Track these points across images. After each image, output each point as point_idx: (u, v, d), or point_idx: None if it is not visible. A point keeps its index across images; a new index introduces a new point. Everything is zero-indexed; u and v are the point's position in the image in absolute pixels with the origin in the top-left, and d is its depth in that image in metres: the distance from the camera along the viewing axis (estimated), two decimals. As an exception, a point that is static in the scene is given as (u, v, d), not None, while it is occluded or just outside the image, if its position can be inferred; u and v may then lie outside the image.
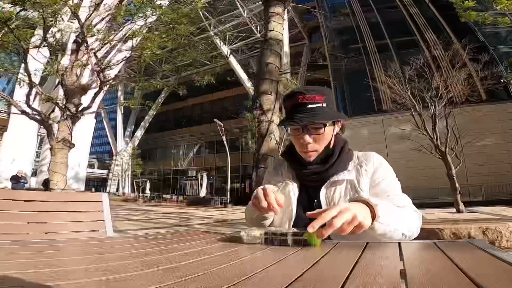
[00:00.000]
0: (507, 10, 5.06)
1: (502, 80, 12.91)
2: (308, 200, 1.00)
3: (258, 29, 24.51)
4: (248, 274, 0.43)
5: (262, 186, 0.90)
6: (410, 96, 11.14)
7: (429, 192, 15.64)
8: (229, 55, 23.08)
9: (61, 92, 6.32)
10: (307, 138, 0.96)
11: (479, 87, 12.72)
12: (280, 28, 3.59)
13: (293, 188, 1.01)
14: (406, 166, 15.78)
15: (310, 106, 0.96)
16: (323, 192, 0.97)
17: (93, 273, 0.42)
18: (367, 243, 0.70)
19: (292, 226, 0.95)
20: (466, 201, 11.50)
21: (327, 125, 0.97)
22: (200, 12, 7.41)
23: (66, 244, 0.74)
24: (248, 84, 20.44)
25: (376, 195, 0.93)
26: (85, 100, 6.17)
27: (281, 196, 0.87)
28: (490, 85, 11.77)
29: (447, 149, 10.42)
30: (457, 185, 10.01)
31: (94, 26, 6.14)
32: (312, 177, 1.00)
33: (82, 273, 0.43)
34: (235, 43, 26.64)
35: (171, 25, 6.88)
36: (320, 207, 0.95)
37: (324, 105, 0.97)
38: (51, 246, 0.68)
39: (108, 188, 30.51)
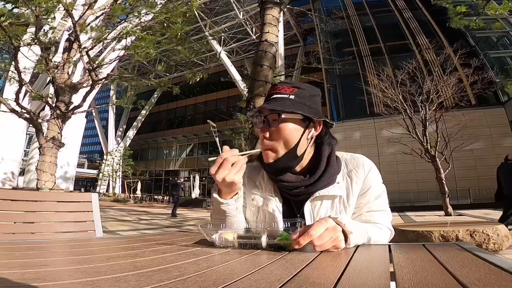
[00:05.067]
0: (499, 15, 5.17)
1: (497, 85, 13.17)
2: (291, 215, 0.89)
3: (254, 31, 24.57)
4: (239, 276, 0.43)
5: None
6: (402, 100, 11.32)
7: (419, 195, 15.89)
8: (220, 53, 23.01)
9: (51, 90, 6.21)
10: (264, 129, 0.84)
11: (469, 92, 12.99)
12: (275, 30, 3.60)
13: (276, 205, 0.90)
14: (397, 170, 16.02)
15: (275, 96, 0.85)
16: (307, 206, 0.87)
17: (80, 273, 0.42)
18: (357, 246, 0.71)
19: None
20: (454, 204, 11.72)
21: (283, 116, 0.82)
22: (196, 12, 7.38)
23: (53, 244, 0.73)
24: (241, 85, 20.44)
25: (359, 205, 0.89)
26: (76, 98, 6.08)
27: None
28: (480, 90, 12.02)
29: (436, 153, 10.62)
30: (446, 189, 10.20)
31: (88, 24, 6.07)
32: (294, 191, 0.87)
33: (69, 274, 0.42)
34: (229, 45, 26.65)
35: (165, 24, 6.84)
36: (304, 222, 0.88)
37: (292, 97, 0.84)
38: (37, 246, 0.66)
39: (98, 188, 30.09)
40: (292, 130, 0.84)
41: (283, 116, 0.82)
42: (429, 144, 10.70)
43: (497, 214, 9.87)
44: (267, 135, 0.84)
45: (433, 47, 15.28)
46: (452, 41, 15.61)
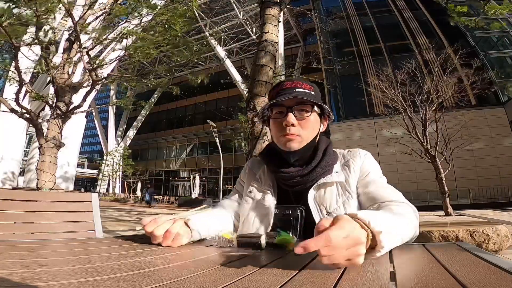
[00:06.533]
0: (499, 15, 5.16)
1: (497, 85, 13.20)
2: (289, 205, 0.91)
3: (254, 31, 24.57)
4: (239, 276, 0.43)
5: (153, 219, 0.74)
6: (402, 100, 11.32)
7: (419, 195, 15.89)
8: (225, 59, 23.01)
9: (52, 90, 6.21)
10: (291, 117, 0.85)
11: (469, 92, 12.99)
12: (276, 30, 3.60)
13: (273, 201, 0.92)
14: (397, 169, 16.02)
15: (298, 90, 0.89)
16: (311, 194, 0.88)
17: (80, 273, 0.42)
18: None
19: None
20: (454, 204, 11.72)
21: (315, 108, 0.88)
22: (196, 12, 7.40)
23: (53, 244, 0.73)
24: (242, 85, 20.46)
25: (363, 187, 0.88)
26: (76, 99, 6.08)
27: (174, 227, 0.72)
28: (480, 90, 12.02)
29: (436, 153, 10.61)
30: (446, 189, 10.20)
31: (88, 24, 6.07)
32: (292, 181, 0.89)
33: (68, 274, 0.42)
34: (230, 45, 26.65)
35: (166, 25, 6.84)
36: (308, 212, 0.86)
37: (313, 93, 0.91)
38: (37, 246, 0.66)
39: (98, 188, 30.09)
40: (316, 121, 0.91)
41: (315, 108, 0.88)
42: (429, 144, 10.69)
43: (497, 214, 9.86)
44: (295, 122, 0.86)
45: (433, 47, 15.28)
46: (452, 41, 15.64)
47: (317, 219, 0.85)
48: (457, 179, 15.03)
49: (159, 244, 0.68)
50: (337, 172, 0.91)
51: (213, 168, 29.08)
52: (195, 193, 24.49)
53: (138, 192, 27.71)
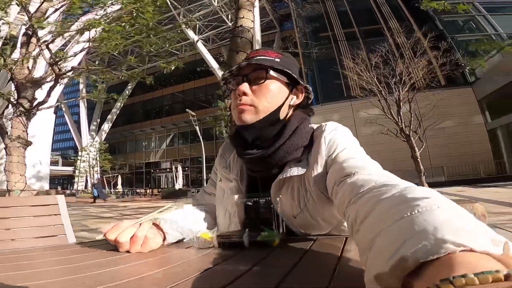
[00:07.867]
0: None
1: (464, 67, 13.79)
2: (258, 200, 0.77)
3: (229, 18, 24.06)
4: (223, 282, 0.39)
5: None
6: (376, 82, 11.62)
7: (395, 174, 16.43)
8: (197, 42, 22.41)
9: (13, 87, 5.80)
10: (244, 86, 0.72)
11: (439, 74, 13.52)
12: (251, 15, 3.50)
13: (238, 190, 0.79)
14: (375, 149, 16.54)
15: (259, 57, 0.76)
16: (272, 191, 0.73)
17: (78, 285, 0.36)
18: (346, 238, 0.67)
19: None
20: (430, 182, 12.31)
21: (272, 73, 0.73)
22: (168, 1, 7.08)
23: (30, 253, 0.64)
24: (219, 73, 20.13)
25: (337, 170, 0.65)
26: (41, 94, 5.72)
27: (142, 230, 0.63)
28: (449, 72, 12.55)
29: (411, 132, 11.06)
30: (421, 167, 10.69)
31: (46, 18, 5.64)
32: (254, 165, 0.76)
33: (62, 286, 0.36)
34: (205, 33, 26.00)
35: (134, 14, 6.48)
36: (273, 213, 0.71)
37: (277, 60, 0.76)
38: (14, 256, 0.58)
39: (75, 186, 29.09)
40: (278, 89, 0.75)
41: (271, 72, 0.73)
42: (403, 123, 11.11)
43: (470, 191, 10.45)
44: (248, 90, 0.72)
45: (404, 31, 15.69)
46: (421, 25, 16.10)
47: (289, 224, 0.73)
48: (431, 157, 15.75)
49: (128, 252, 0.61)
50: (301, 161, 0.73)
51: (195, 157, 28.79)
52: (179, 184, 24.21)
53: (119, 187, 27.02)
